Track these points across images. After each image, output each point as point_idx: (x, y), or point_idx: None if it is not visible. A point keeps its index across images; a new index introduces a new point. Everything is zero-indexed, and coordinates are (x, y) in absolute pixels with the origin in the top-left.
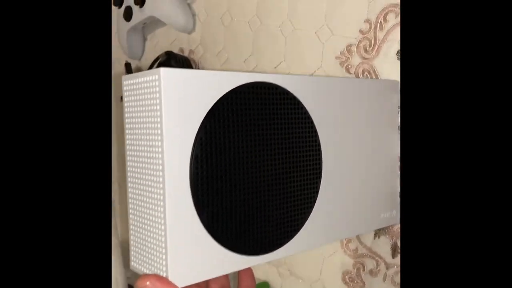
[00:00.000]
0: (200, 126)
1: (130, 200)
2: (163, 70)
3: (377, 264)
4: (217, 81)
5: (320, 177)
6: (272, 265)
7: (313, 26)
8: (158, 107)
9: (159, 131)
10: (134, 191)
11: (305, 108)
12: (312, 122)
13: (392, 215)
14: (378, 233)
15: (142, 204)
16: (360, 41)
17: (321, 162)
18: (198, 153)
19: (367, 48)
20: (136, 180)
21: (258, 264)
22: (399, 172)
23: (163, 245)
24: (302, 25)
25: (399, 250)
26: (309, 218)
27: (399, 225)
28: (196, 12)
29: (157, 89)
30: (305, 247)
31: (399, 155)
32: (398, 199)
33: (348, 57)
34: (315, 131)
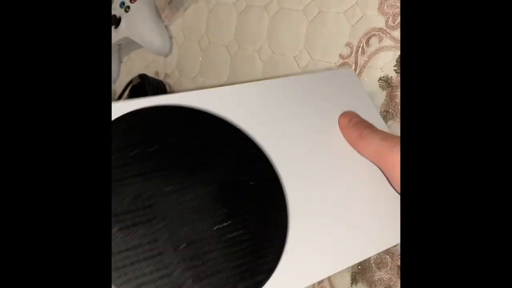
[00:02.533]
0: None
1: None
2: None
3: None
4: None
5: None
6: None
7: (292, 51)
8: None
9: None
10: None
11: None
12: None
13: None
14: (355, 278)
15: None
16: (340, 66)
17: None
18: None
19: None
20: None
21: None
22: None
23: None
24: (280, 50)
25: None
26: (281, 259)
27: (377, 270)
28: (174, 34)
29: None
30: None
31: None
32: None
33: None
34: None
